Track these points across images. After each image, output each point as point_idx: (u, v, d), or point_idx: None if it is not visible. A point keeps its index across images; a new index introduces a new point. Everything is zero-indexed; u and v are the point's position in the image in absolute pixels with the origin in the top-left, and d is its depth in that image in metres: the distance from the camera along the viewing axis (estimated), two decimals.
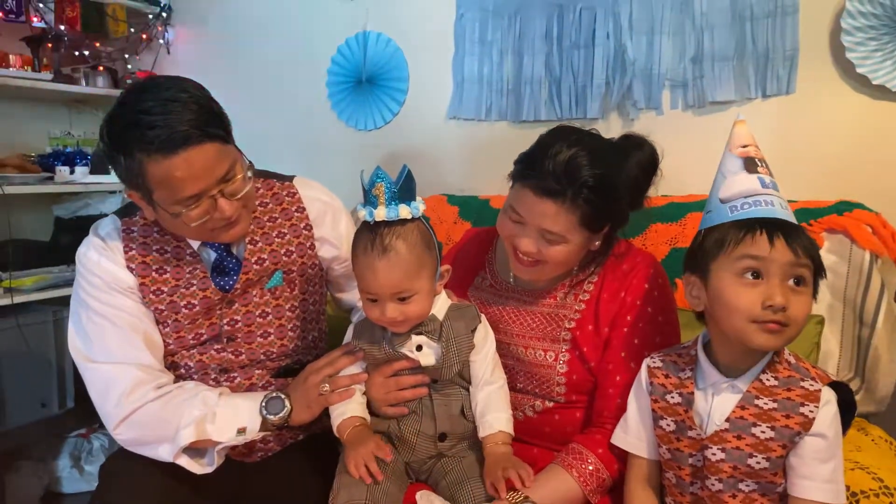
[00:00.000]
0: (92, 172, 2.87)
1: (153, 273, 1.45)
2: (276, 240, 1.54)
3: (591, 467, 1.31)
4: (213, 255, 1.49)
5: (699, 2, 2.12)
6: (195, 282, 1.47)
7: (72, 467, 2.65)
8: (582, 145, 1.32)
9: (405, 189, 1.28)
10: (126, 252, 1.44)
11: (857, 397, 1.66)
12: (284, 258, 1.54)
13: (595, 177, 1.30)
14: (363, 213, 1.29)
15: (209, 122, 1.29)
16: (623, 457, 1.31)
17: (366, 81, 2.74)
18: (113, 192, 2.92)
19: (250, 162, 1.41)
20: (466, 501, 1.30)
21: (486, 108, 2.50)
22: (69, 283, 2.67)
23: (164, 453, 1.35)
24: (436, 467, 1.40)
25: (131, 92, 1.31)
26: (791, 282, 1.08)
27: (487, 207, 2.27)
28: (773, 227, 1.09)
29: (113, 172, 1.35)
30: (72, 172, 2.83)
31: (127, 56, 3.11)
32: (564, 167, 1.29)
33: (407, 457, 1.39)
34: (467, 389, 1.39)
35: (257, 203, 1.53)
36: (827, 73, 1.99)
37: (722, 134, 2.08)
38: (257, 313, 1.52)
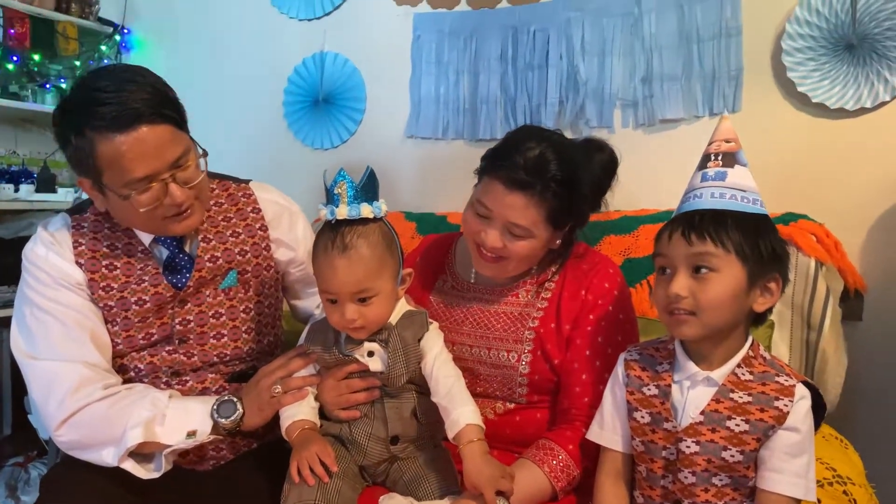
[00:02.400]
0: (37, 191, 2.80)
1: (103, 269, 1.41)
2: (231, 238, 1.51)
3: (561, 463, 1.31)
4: (164, 253, 1.45)
5: (648, 24, 2.20)
6: (146, 278, 1.42)
7: (7, 497, 2.52)
8: (550, 142, 1.36)
9: (368, 189, 1.27)
10: (75, 247, 1.40)
11: None
12: (238, 257, 1.51)
13: (563, 172, 1.33)
14: (324, 212, 1.27)
15: (163, 103, 1.28)
16: (592, 454, 1.31)
17: (323, 101, 2.75)
18: (58, 212, 2.84)
19: (204, 150, 1.39)
20: (426, 496, 1.28)
21: (443, 126, 2.54)
22: (9, 304, 2.57)
23: (108, 457, 1.29)
24: (392, 469, 1.37)
25: (87, 75, 1.31)
26: (693, 271, 1.11)
27: (445, 223, 2.28)
28: (679, 222, 1.14)
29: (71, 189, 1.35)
30: (16, 191, 2.75)
31: (77, 75, 3.05)
32: (535, 161, 1.32)
33: (360, 460, 1.35)
34: (420, 393, 1.37)
35: (212, 203, 1.51)
36: (770, 92, 2.08)
37: (672, 150, 2.20)
38: (210, 314, 1.48)
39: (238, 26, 2.93)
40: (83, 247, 1.40)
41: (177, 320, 1.45)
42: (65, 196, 2.83)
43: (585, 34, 2.29)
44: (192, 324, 1.46)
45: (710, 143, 1.20)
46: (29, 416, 2.59)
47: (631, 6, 2.23)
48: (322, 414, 1.40)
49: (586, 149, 1.50)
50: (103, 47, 3.10)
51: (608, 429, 1.26)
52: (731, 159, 1.17)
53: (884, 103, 1.95)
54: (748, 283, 1.12)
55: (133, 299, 1.41)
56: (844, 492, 1.26)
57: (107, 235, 1.43)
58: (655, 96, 2.20)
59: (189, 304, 1.46)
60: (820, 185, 2.02)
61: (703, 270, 1.10)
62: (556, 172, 1.33)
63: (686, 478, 1.13)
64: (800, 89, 2.02)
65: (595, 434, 1.28)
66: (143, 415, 1.30)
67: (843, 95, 1.97)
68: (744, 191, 1.15)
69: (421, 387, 1.37)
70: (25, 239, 2.74)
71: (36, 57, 2.90)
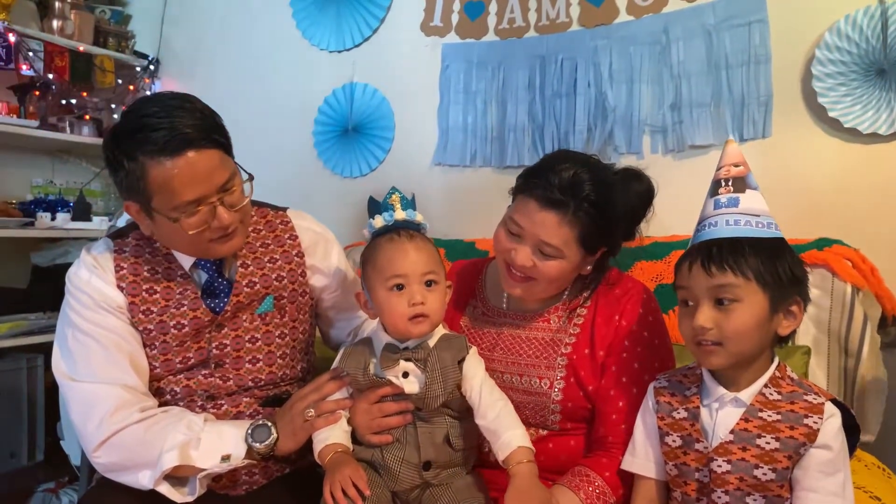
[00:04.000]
0: (74, 219, 2.86)
1: (143, 292, 1.43)
2: (268, 265, 1.53)
3: (598, 490, 1.29)
4: (203, 277, 1.47)
5: (676, 52, 2.21)
6: (185, 302, 1.44)
7: None
8: (586, 164, 1.38)
9: (413, 204, 1.38)
10: (117, 271, 1.42)
11: None
12: (276, 283, 1.52)
13: (597, 194, 1.34)
14: (380, 220, 1.34)
15: (212, 129, 1.32)
16: (629, 482, 1.29)
17: (352, 130, 2.80)
18: (93, 239, 2.89)
19: (250, 175, 1.42)
20: None
21: (471, 154, 2.56)
22: (45, 330, 2.62)
23: (144, 480, 1.30)
24: (424, 496, 1.36)
25: (136, 102, 1.35)
26: (715, 302, 1.12)
27: (473, 250, 2.28)
28: (697, 253, 1.14)
29: (116, 203, 1.39)
30: (53, 219, 2.81)
31: (113, 106, 3.13)
32: (570, 181, 1.33)
33: (391, 486, 1.34)
34: (454, 418, 1.37)
35: (251, 230, 1.53)
36: (801, 118, 2.07)
37: (702, 176, 2.16)
38: (247, 338, 1.49)
39: (269, 58, 2.99)
40: (125, 271, 1.43)
41: (213, 344, 1.46)
42: (100, 224, 2.89)
43: (613, 62, 2.30)
44: (229, 348, 1.47)
45: (718, 168, 1.21)
46: (61, 443, 2.61)
47: (658, 35, 2.24)
48: (354, 438, 1.39)
49: (623, 177, 1.49)
50: (138, 79, 3.17)
51: (640, 456, 1.25)
52: (741, 184, 1.18)
53: None
54: (771, 309, 1.12)
55: (172, 323, 1.43)
56: None
57: (147, 259, 1.45)
58: (685, 122, 2.20)
59: (226, 329, 1.48)
60: (853, 210, 2.00)
61: (726, 302, 1.11)
62: (590, 193, 1.33)
63: (720, 498, 1.13)
64: (831, 114, 2.01)
65: (628, 463, 1.27)
66: (178, 438, 1.31)
67: (875, 120, 1.96)
68: (757, 216, 1.15)
69: (455, 412, 1.36)
70: (62, 266, 2.85)
71: (74, 89, 2.97)
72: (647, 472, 1.24)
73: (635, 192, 1.48)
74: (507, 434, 1.28)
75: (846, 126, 1.99)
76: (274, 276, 1.53)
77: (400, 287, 1.31)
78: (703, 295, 1.13)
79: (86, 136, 3.06)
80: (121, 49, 3.21)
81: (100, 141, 3.10)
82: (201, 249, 1.41)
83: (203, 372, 1.46)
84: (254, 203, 1.56)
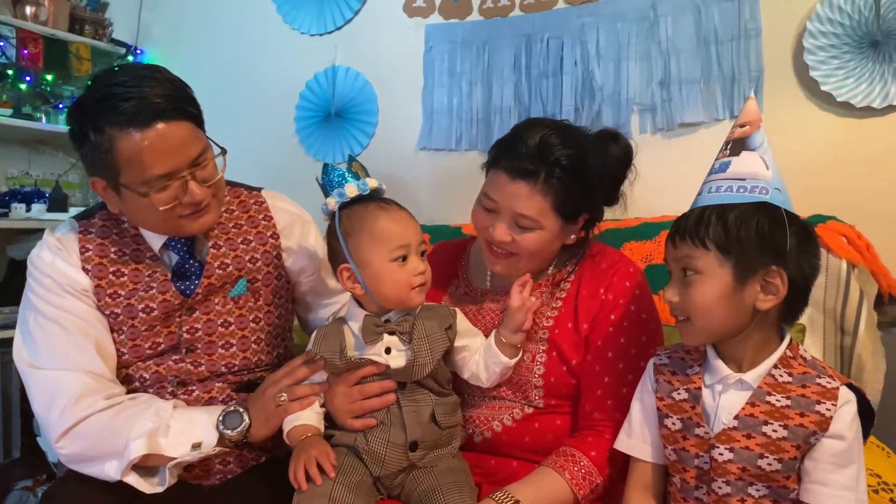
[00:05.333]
0: (49, 210, 2.78)
1: (110, 275, 1.36)
2: (241, 246, 1.46)
3: (583, 470, 1.24)
4: (174, 259, 1.41)
5: (664, 27, 2.16)
6: (154, 285, 1.38)
7: None
8: (554, 128, 1.32)
9: (360, 170, 1.34)
10: (82, 252, 1.35)
11: None
12: (249, 265, 1.46)
13: (567, 157, 1.28)
14: (353, 187, 1.27)
15: (183, 99, 1.25)
16: (617, 461, 1.24)
17: (335, 115, 2.73)
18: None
19: (223, 149, 1.35)
20: None
21: (457, 137, 2.50)
22: None
23: (111, 470, 1.23)
24: (407, 480, 1.30)
25: (104, 72, 1.27)
26: (682, 274, 1.07)
27: (460, 235, 2.23)
28: (678, 222, 1.09)
29: (80, 160, 1.30)
30: (28, 210, 2.73)
31: None
32: (537, 147, 1.28)
33: (377, 470, 1.28)
34: (438, 394, 1.31)
35: (223, 210, 1.46)
36: (793, 93, 2.03)
37: (692, 154, 2.14)
38: (219, 322, 1.42)
39: (250, 43, 2.92)
40: (90, 252, 1.36)
41: (184, 329, 1.40)
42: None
43: (600, 39, 2.25)
44: (200, 332, 1.41)
45: (736, 127, 1.12)
46: (38, 439, 2.54)
47: (646, 10, 2.18)
48: (334, 424, 1.33)
49: (598, 138, 1.43)
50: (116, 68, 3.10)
51: (637, 438, 1.19)
52: (739, 146, 1.10)
53: None
54: (737, 280, 1.03)
55: (140, 307, 1.36)
56: (892, 500, 1.17)
57: (115, 241, 1.38)
58: (674, 100, 2.15)
59: (197, 312, 1.41)
60: (848, 186, 1.95)
61: (689, 273, 1.06)
62: (561, 157, 1.28)
63: (720, 488, 1.05)
64: (823, 88, 1.96)
65: (623, 443, 1.21)
66: (146, 426, 1.24)
67: (868, 93, 1.92)
68: (742, 179, 1.06)
69: (439, 386, 1.32)
70: None
71: (49, 77, 2.90)
72: (643, 454, 1.18)
73: (613, 155, 1.42)
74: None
75: (839, 100, 1.95)
76: (247, 257, 1.46)
77: (403, 258, 1.27)
78: (672, 268, 1.09)
79: (62, 125, 2.98)
80: (98, 36, 3.12)
81: None
82: (172, 226, 1.34)
83: (174, 357, 1.39)
84: (227, 182, 1.49)
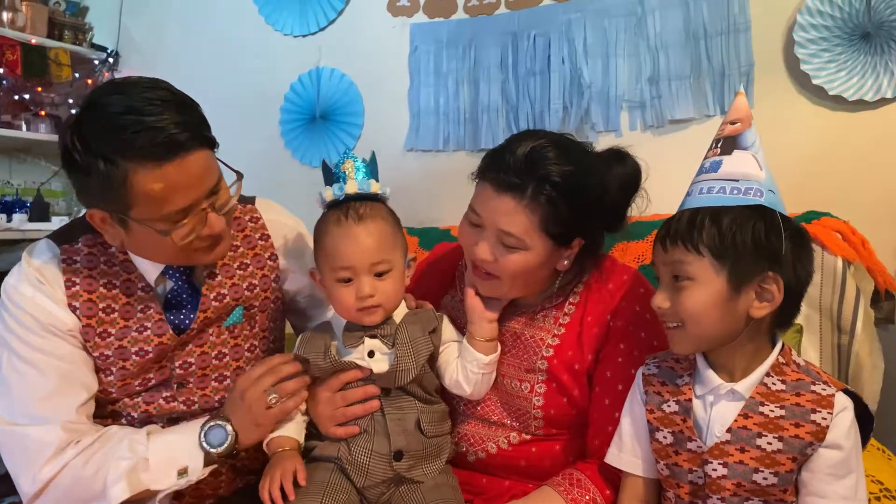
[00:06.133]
0: (31, 220, 2.73)
1: (100, 312, 1.23)
2: (238, 272, 1.36)
3: (587, 496, 1.19)
4: (168, 286, 1.30)
5: (652, 23, 2.13)
6: (149, 325, 1.27)
7: None
8: (549, 140, 1.20)
9: (372, 170, 1.25)
10: (68, 287, 1.21)
11: None
12: (247, 293, 1.36)
13: (560, 174, 1.16)
14: (330, 192, 1.21)
15: (201, 124, 1.13)
16: (615, 481, 1.19)
17: (320, 117, 2.69)
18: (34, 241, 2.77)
19: (239, 172, 1.25)
20: None
21: (444, 138, 2.46)
22: None
23: None
24: (394, 497, 1.26)
25: (101, 91, 1.11)
26: (672, 280, 1.03)
27: (448, 237, 2.19)
28: (668, 224, 1.04)
29: (75, 189, 1.14)
30: (9, 220, 2.68)
31: (71, 101, 3.00)
32: (525, 159, 1.17)
33: (361, 482, 1.24)
34: (424, 401, 1.27)
35: None
36: (784, 87, 1.99)
37: (683, 151, 2.10)
38: (213, 354, 1.33)
39: (232, 46, 2.87)
40: (77, 287, 1.22)
41: (176, 363, 1.31)
42: (58, 224, 2.76)
43: (587, 36, 2.21)
44: (194, 367, 1.32)
45: (726, 124, 1.08)
46: None
47: (633, 5, 2.15)
48: (317, 435, 1.29)
49: (602, 158, 1.29)
50: (97, 73, 3.05)
51: (628, 452, 1.14)
52: (730, 144, 1.05)
53: None
54: (731, 287, 0.99)
55: (134, 349, 1.26)
56: None
57: (103, 272, 1.25)
58: (663, 96, 2.12)
59: (190, 346, 1.32)
60: (842, 181, 1.92)
61: (681, 279, 1.01)
62: (552, 172, 1.16)
63: None
64: (815, 82, 1.93)
65: (613, 457, 1.16)
66: (121, 466, 1.16)
67: (861, 86, 1.88)
68: (736, 181, 1.02)
69: (425, 393, 1.28)
70: None
71: (27, 84, 2.84)
72: (635, 469, 1.13)
73: (618, 176, 1.28)
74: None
75: (831, 93, 1.92)
76: (245, 284, 1.36)
77: (347, 280, 1.21)
78: (662, 272, 1.04)
79: (43, 133, 2.93)
80: (78, 42, 3.08)
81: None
82: (183, 259, 1.23)
83: (165, 395, 1.31)
84: None
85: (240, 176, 1.24)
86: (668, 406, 1.09)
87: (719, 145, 1.07)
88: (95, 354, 1.24)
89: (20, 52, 2.78)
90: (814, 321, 1.68)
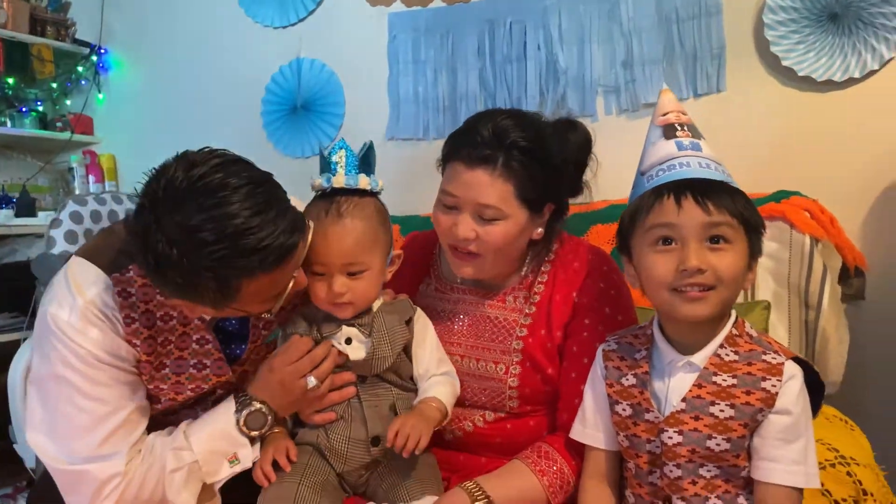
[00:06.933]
0: (17, 215, 2.75)
1: (158, 346, 1.22)
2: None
3: (560, 478, 1.23)
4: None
5: (626, 8, 2.15)
6: (208, 363, 1.26)
7: None
8: (508, 114, 1.28)
9: (366, 162, 1.26)
10: (127, 325, 1.18)
11: None
12: (285, 314, 1.37)
13: (525, 138, 1.24)
14: (320, 181, 1.24)
15: (295, 216, 1.12)
16: (581, 451, 1.22)
17: (301, 108, 2.71)
18: (40, 236, 2.79)
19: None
20: (402, 500, 1.21)
21: (424, 126, 2.49)
22: None
23: None
24: (372, 478, 1.29)
25: (196, 201, 1.03)
26: (708, 242, 1.01)
27: (429, 225, 2.20)
28: (683, 188, 1.03)
29: (162, 278, 1.07)
30: None
31: (55, 97, 3.02)
32: (492, 131, 1.23)
33: (340, 467, 1.28)
34: (400, 388, 1.30)
35: None
36: (754, 69, 2.03)
37: None
38: (251, 371, 1.34)
39: (213, 38, 2.89)
40: (137, 324, 1.19)
41: (219, 384, 1.33)
42: (45, 219, 2.77)
43: (563, 22, 2.24)
44: (233, 385, 1.34)
45: (664, 114, 1.12)
46: (15, 446, 2.52)
47: None
48: (298, 421, 1.33)
49: (557, 127, 1.39)
50: (80, 68, 3.06)
51: (590, 426, 1.18)
52: (696, 131, 1.11)
53: (873, 72, 1.89)
54: (750, 256, 1.04)
55: (190, 386, 1.26)
56: (848, 473, 1.18)
57: (160, 304, 1.21)
58: (637, 81, 2.15)
59: (234, 366, 1.33)
60: (812, 160, 1.96)
61: (721, 241, 1.01)
62: (518, 139, 1.23)
63: (671, 471, 1.05)
64: (784, 63, 1.95)
65: (578, 432, 1.20)
66: (176, 479, 1.20)
67: (829, 67, 1.92)
68: (720, 163, 1.07)
69: (401, 379, 1.31)
70: (9, 266, 2.73)
71: (10, 81, 2.86)
72: (597, 442, 1.17)
73: (573, 143, 1.38)
74: (434, 389, 1.26)
75: (800, 75, 1.95)
76: (290, 308, 1.35)
77: (321, 274, 1.23)
78: (693, 234, 1.00)
79: (28, 129, 2.94)
80: (60, 37, 3.08)
81: (44, 134, 3.02)
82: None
83: (202, 406, 1.33)
84: None
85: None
86: (627, 380, 1.12)
87: (686, 129, 1.10)
88: (150, 386, 1.24)
89: (2, 48, 2.79)
90: (782, 298, 1.72)
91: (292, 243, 1.09)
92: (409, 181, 2.52)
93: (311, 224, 1.19)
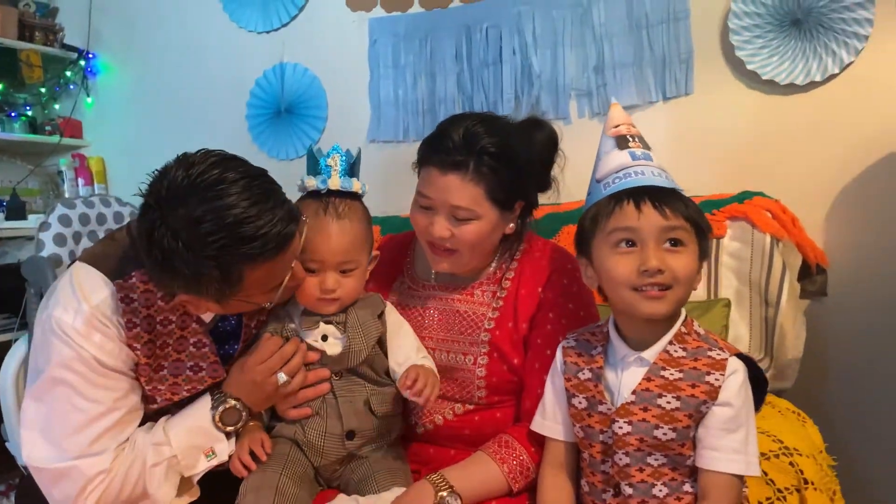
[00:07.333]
0: (8, 218, 2.80)
1: (157, 350, 1.28)
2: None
3: (521, 466, 1.29)
4: (218, 318, 1.36)
5: (597, 13, 2.21)
6: (204, 365, 1.32)
7: None
8: (478, 119, 1.36)
9: (355, 167, 1.34)
10: (129, 329, 1.24)
11: (768, 375, 1.68)
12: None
13: (494, 144, 1.31)
14: (314, 182, 1.30)
15: (291, 207, 1.19)
16: (541, 441, 1.29)
17: (285, 111, 2.76)
18: (30, 239, 2.84)
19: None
20: (372, 492, 1.27)
21: (404, 129, 2.54)
22: None
23: None
24: (345, 472, 1.36)
25: (199, 199, 1.10)
26: (666, 244, 1.09)
27: (409, 226, 2.26)
28: (640, 194, 1.11)
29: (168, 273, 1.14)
30: None
31: (44, 101, 3.06)
32: (463, 138, 1.31)
33: (317, 461, 1.34)
34: (375, 383, 1.36)
35: None
36: (721, 72, 2.09)
37: None
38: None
39: (199, 43, 2.94)
40: (138, 328, 1.25)
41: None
42: (35, 222, 2.83)
43: (536, 27, 2.29)
44: (223, 378, 1.38)
45: (616, 126, 1.20)
46: (7, 445, 2.57)
47: None
48: (278, 417, 1.38)
49: (523, 127, 1.48)
50: (68, 73, 3.11)
51: (549, 418, 1.25)
52: (644, 142, 1.19)
53: (833, 76, 1.95)
54: (699, 259, 1.12)
55: (186, 387, 1.32)
56: (791, 463, 1.24)
57: (160, 308, 1.27)
58: (609, 84, 2.20)
59: (227, 365, 1.38)
60: (776, 161, 2.01)
61: (678, 244, 1.09)
62: (487, 145, 1.31)
63: (621, 459, 1.12)
64: (749, 67, 2.01)
65: (538, 424, 1.27)
66: (156, 473, 1.25)
67: (792, 70, 1.97)
68: (667, 172, 1.16)
69: (376, 374, 1.36)
70: (0, 268, 2.77)
71: None
72: (555, 434, 1.24)
73: (539, 141, 1.46)
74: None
75: (764, 78, 2.01)
76: (276, 305, 1.39)
77: (313, 270, 1.29)
78: (652, 236, 1.08)
79: (18, 133, 2.99)
80: (49, 42, 3.12)
81: (34, 138, 3.07)
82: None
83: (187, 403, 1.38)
84: None
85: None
86: (583, 374, 1.19)
87: (637, 140, 1.19)
88: (148, 388, 1.29)
89: None
90: (744, 296, 1.78)
91: (290, 231, 1.16)
92: (390, 182, 2.57)
93: (306, 218, 1.25)
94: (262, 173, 1.20)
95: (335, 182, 1.29)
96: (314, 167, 1.32)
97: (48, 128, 3.12)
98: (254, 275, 1.15)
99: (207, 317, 1.32)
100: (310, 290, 1.30)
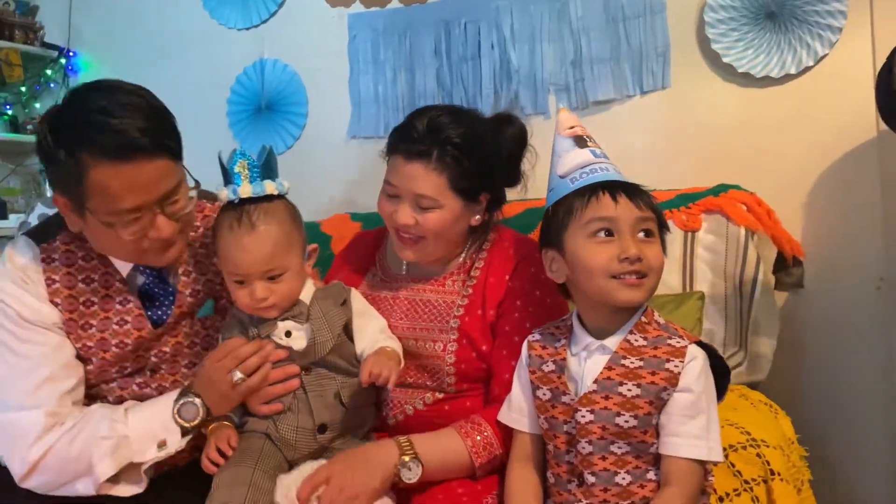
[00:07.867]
0: None
1: (80, 306, 1.32)
2: (211, 268, 1.43)
3: (485, 441, 1.31)
4: (141, 280, 1.38)
5: (574, 7, 2.21)
6: (129, 318, 1.35)
7: None
8: (445, 110, 1.39)
9: (268, 167, 1.29)
10: (49, 284, 1.30)
11: (742, 369, 1.70)
12: (218, 287, 1.43)
13: (458, 135, 1.33)
14: (225, 193, 1.26)
15: (165, 133, 1.21)
16: (509, 428, 1.30)
17: (265, 108, 2.76)
18: (11, 238, 2.83)
19: (196, 181, 1.32)
20: None
21: (384, 124, 2.54)
22: None
23: (83, 489, 1.26)
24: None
25: (85, 88, 1.22)
26: (641, 234, 1.13)
27: None
28: (613, 188, 1.15)
29: (46, 178, 1.27)
30: None
31: (24, 100, 3.05)
32: (427, 127, 1.34)
33: (290, 455, 1.34)
34: (346, 373, 1.36)
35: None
36: (697, 66, 2.09)
37: (606, 133, 2.17)
38: (186, 344, 1.42)
39: (179, 40, 2.92)
40: (57, 284, 1.31)
41: (152, 352, 1.40)
42: (16, 222, 2.82)
43: (515, 22, 2.29)
44: (167, 354, 1.41)
45: (571, 127, 1.23)
46: None
47: None
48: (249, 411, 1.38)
49: (494, 121, 1.49)
50: (49, 71, 3.09)
51: (515, 410, 1.26)
52: (596, 143, 1.22)
53: (808, 68, 1.96)
54: (661, 249, 1.16)
55: (114, 342, 1.35)
56: (758, 454, 1.25)
57: (81, 267, 1.33)
58: (586, 79, 2.21)
59: (165, 336, 1.41)
60: (752, 153, 2.02)
61: (650, 235, 1.13)
62: (451, 135, 1.33)
63: (584, 448, 1.12)
64: (725, 60, 2.02)
65: (504, 415, 1.28)
66: (104, 445, 1.26)
67: (767, 63, 1.98)
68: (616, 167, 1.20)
69: (345, 363, 1.36)
70: None
71: None
72: (521, 426, 1.25)
73: (508, 136, 1.48)
74: (380, 344, 1.33)
75: (740, 71, 2.01)
76: (218, 280, 1.42)
77: (241, 282, 1.28)
78: (629, 226, 1.12)
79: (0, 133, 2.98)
80: (29, 41, 3.11)
81: (15, 137, 3.06)
82: (137, 256, 1.31)
83: (138, 381, 1.40)
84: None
85: (197, 184, 1.31)
86: (547, 366, 1.20)
87: (593, 140, 1.24)
88: (78, 346, 1.33)
89: None
90: (719, 288, 1.78)
91: (140, 143, 1.15)
92: (371, 178, 2.55)
93: (195, 183, 1.29)
94: (165, 110, 1.25)
95: (246, 190, 1.24)
96: (226, 176, 1.28)
97: (29, 127, 3.10)
98: (96, 176, 1.15)
99: (124, 270, 1.35)
100: (243, 301, 1.29)
